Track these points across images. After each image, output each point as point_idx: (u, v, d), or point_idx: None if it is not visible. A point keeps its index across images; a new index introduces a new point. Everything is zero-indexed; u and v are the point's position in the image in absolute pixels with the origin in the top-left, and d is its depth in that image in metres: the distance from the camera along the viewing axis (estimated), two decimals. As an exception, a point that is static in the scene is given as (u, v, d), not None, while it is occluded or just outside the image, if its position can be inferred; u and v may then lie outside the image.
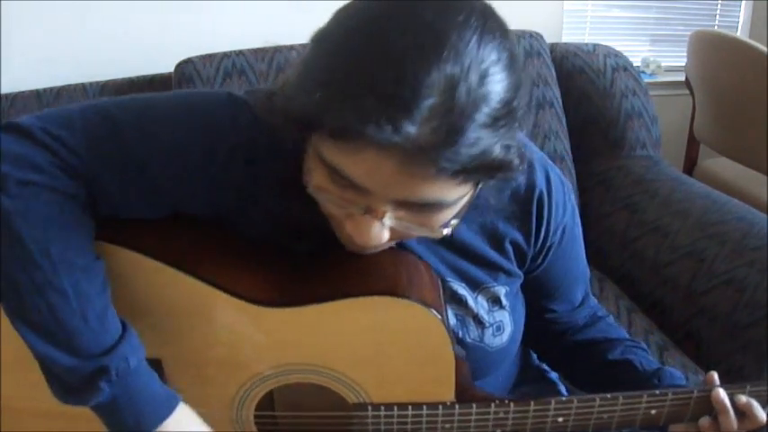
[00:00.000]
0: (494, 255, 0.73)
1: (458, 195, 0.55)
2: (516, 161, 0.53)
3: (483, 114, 0.48)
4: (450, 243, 0.71)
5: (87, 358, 0.57)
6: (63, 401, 0.59)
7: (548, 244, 0.75)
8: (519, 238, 0.73)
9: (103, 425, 0.61)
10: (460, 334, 0.72)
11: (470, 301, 0.72)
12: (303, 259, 0.69)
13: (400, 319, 0.65)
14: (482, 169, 0.51)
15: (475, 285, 0.73)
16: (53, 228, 0.57)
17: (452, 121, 0.47)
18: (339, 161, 0.52)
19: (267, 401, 0.71)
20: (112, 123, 0.61)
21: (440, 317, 0.64)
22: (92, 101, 0.63)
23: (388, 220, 0.55)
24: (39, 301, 0.56)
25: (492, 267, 0.73)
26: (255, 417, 0.70)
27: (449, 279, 0.72)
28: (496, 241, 0.73)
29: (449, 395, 0.68)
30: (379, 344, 0.66)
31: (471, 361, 0.72)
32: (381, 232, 0.56)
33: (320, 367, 0.67)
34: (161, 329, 0.66)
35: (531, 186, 0.71)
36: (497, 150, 0.50)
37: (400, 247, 0.69)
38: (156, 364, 0.67)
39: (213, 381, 0.68)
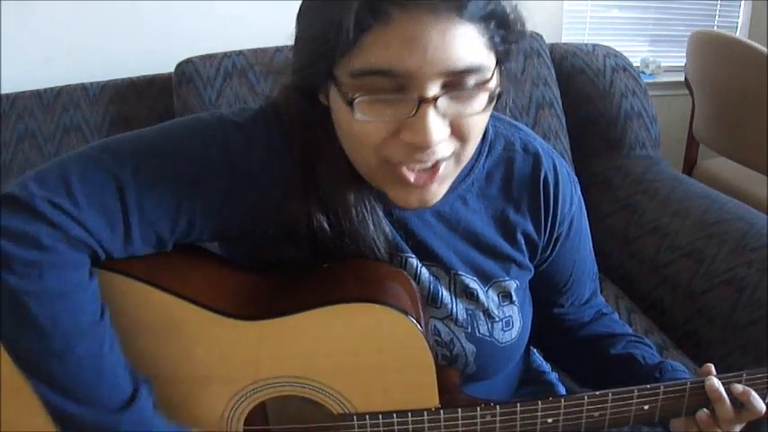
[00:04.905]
0: (506, 246, 0.74)
1: (488, 62, 0.56)
2: (519, 23, 0.58)
3: None
4: (464, 233, 0.72)
5: (108, 411, 0.61)
6: None
7: (555, 234, 0.76)
8: (530, 227, 0.74)
9: None
10: (470, 329, 0.72)
11: (481, 295, 0.72)
12: (280, 272, 0.70)
13: (375, 325, 0.64)
14: (497, 20, 0.56)
15: (486, 279, 0.73)
16: (61, 301, 0.59)
17: None
18: (373, 58, 0.53)
19: (261, 415, 0.71)
20: (113, 182, 0.61)
21: (415, 322, 0.64)
22: (87, 150, 0.63)
23: (442, 105, 0.55)
24: (56, 366, 0.59)
25: (504, 259, 0.74)
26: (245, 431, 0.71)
27: (461, 272, 0.72)
28: (509, 232, 0.74)
29: (432, 401, 0.68)
30: (356, 352, 0.65)
31: (482, 357, 0.72)
32: (440, 122, 0.56)
33: (302, 379, 0.67)
34: (148, 349, 0.66)
35: (537, 170, 0.73)
36: (503, 4, 0.56)
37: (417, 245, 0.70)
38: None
39: (202, 398, 0.68)
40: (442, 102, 0.55)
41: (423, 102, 0.54)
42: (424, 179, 0.60)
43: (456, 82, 0.55)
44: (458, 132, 0.58)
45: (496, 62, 0.58)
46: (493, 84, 0.58)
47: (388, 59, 0.53)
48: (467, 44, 0.54)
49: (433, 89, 0.54)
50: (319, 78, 0.59)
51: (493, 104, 0.59)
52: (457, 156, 0.61)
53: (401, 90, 0.55)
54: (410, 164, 0.59)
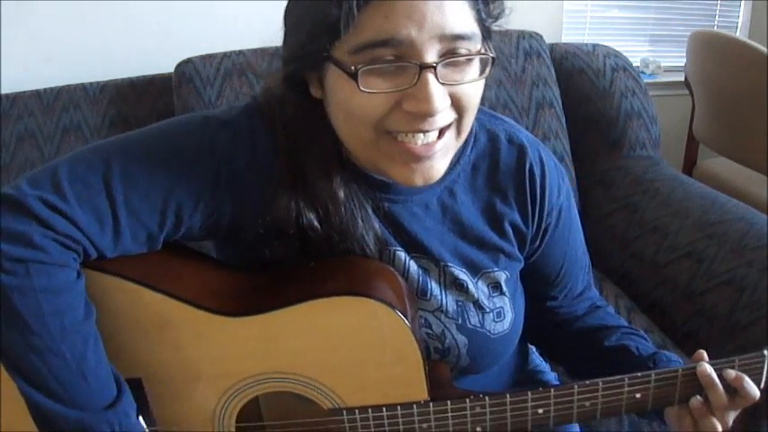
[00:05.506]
0: (494, 237, 0.74)
1: (477, 32, 0.60)
2: (498, 3, 0.63)
3: None
4: (452, 225, 0.73)
5: (93, 411, 0.62)
6: None
7: (544, 225, 0.76)
8: (517, 218, 0.75)
9: None
10: (460, 320, 0.72)
11: (471, 287, 0.73)
12: (266, 268, 0.70)
13: (362, 319, 0.65)
14: None
15: (476, 270, 0.74)
16: (46, 298, 0.59)
17: None
18: (373, 30, 0.56)
19: (254, 411, 0.71)
20: (101, 180, 0.62)
21: (402, 316, 0.64)
22: (78, 152, 0.65)
23: (440, 73, 0.58)
24: (38, 363, 0.60)
25: (492, 250, 0.74)
26: (237, 429, 0.70)
27: (450, 264, 0.72)
28: (496, 222, 0.74)
29: (422, 395, 0.68)
30: (343, 346, 0.66)
31: (474, 348, 0.73)
32: (441, 90, 0.58)
33: (292, 374, 0.67)
34: (137, 348, 0.67)
35: (522, 161, 0.74)
36: None
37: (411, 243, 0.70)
38: (136, 384, 0.67)
39: (193, 396, 0.68)
40: (440, 69, 0.58)
41: (423, 68, 0.57)
42: (426, 149, 0.61)
43: (451, 50, 0.58)
44: (456, 103, 0.61)
45: (482, 37, 0.62)
46: (483, 52, 0.61)
47: (388, 29, 0.56)
48: (459, 14, 0.58)
49: (432, 55, 0.57)
50: (315, 63, 0.60)
51: (486, 73, 0.62)
52: (457, 128, 0.63)
53: (401, 59, 0.57)
54: (412, 135, 0.60)
